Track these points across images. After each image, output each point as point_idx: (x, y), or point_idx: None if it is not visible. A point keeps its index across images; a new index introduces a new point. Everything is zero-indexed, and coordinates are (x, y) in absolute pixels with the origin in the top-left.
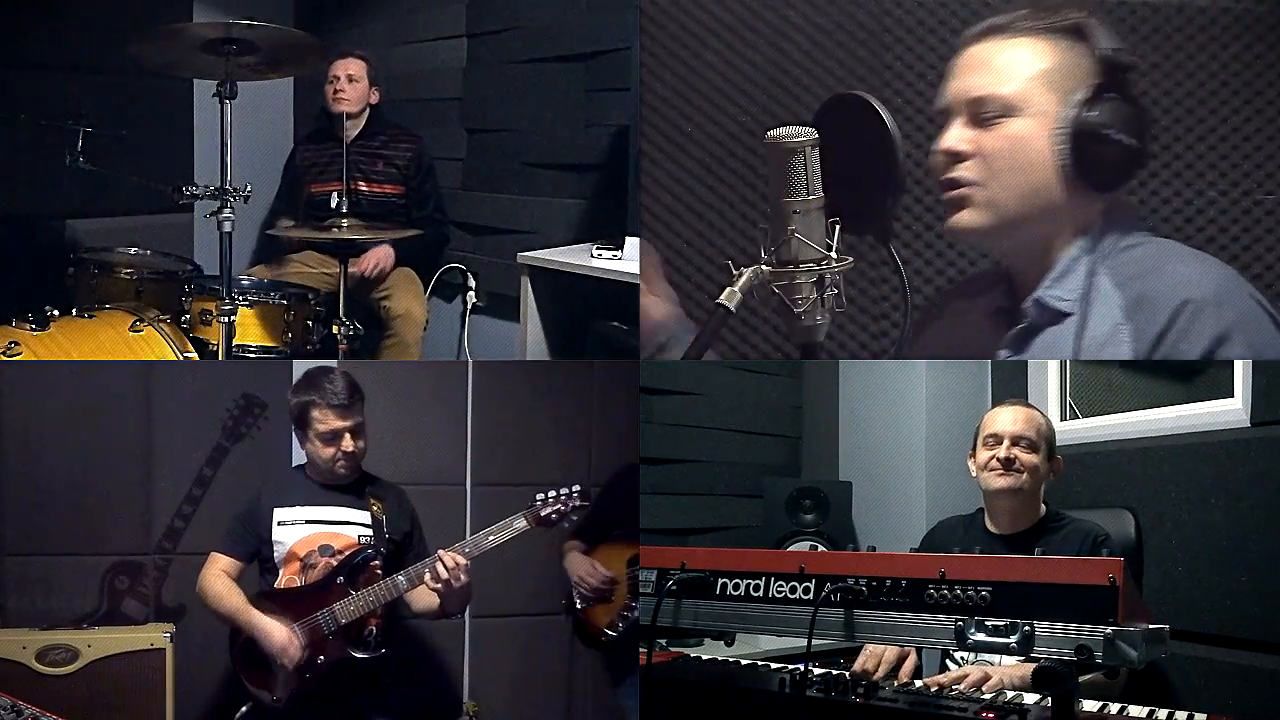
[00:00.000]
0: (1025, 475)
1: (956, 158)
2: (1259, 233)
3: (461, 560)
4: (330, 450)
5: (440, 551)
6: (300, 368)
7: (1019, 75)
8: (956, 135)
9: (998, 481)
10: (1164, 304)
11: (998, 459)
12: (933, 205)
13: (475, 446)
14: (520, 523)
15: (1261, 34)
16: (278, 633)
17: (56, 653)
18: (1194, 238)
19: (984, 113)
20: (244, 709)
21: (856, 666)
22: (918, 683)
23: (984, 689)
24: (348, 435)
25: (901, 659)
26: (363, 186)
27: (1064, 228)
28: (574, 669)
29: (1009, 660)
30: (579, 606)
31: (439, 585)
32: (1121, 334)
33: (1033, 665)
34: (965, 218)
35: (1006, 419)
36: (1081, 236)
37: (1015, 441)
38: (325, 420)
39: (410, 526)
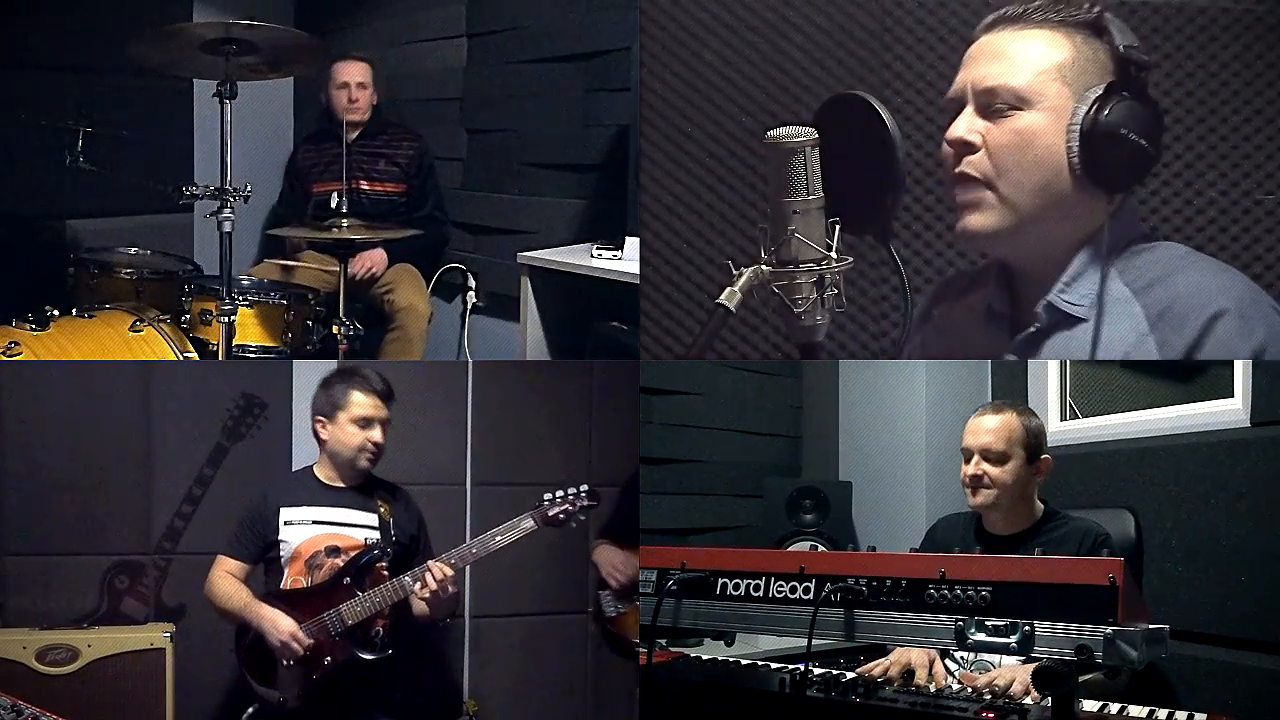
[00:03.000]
0: (995, 491)
1: (965, 148)
2: (1259, 233)
3: (449, 571)
4: (360, 437)
5: (430, 562)
6: (300, 367)
7: (1032, 67)
8: (966, 125)
9: (971, 499)
10: (1193, 316)
11: (968, 475)
12: (933, 205)
13: (475, 447)
14: (528, 523)
15: (1262, 34)
16: (283, 621)
17: (56, 652)
18: (1194, 238)
19: (995, 103)
20: (250, 710)
21: (893, 670)
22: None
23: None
24: (379, 426)
25: (930, 661)
26: (364, 185)
27: (1071, 227)
28: (575, 669)
29: (1009, 660)
30: (610, 615)
31: (427, 594)
32: (1148, 344)
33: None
34: (976, 220)
35: (976, 430)
36: (1089, 237)
37: (984, 455)
38: (363, 405)
39: (417, 530)
